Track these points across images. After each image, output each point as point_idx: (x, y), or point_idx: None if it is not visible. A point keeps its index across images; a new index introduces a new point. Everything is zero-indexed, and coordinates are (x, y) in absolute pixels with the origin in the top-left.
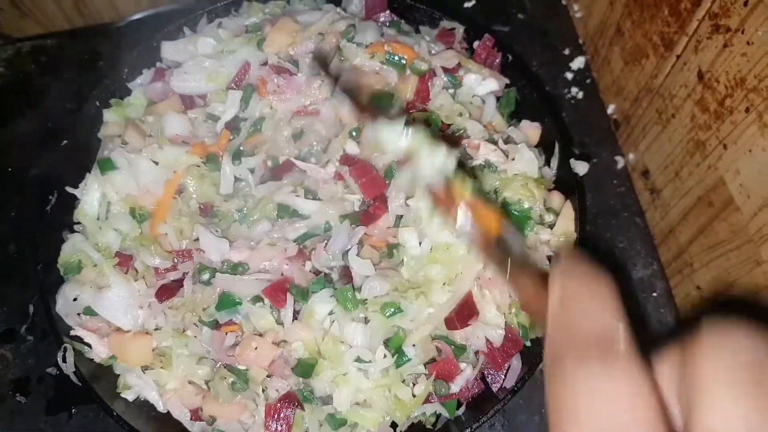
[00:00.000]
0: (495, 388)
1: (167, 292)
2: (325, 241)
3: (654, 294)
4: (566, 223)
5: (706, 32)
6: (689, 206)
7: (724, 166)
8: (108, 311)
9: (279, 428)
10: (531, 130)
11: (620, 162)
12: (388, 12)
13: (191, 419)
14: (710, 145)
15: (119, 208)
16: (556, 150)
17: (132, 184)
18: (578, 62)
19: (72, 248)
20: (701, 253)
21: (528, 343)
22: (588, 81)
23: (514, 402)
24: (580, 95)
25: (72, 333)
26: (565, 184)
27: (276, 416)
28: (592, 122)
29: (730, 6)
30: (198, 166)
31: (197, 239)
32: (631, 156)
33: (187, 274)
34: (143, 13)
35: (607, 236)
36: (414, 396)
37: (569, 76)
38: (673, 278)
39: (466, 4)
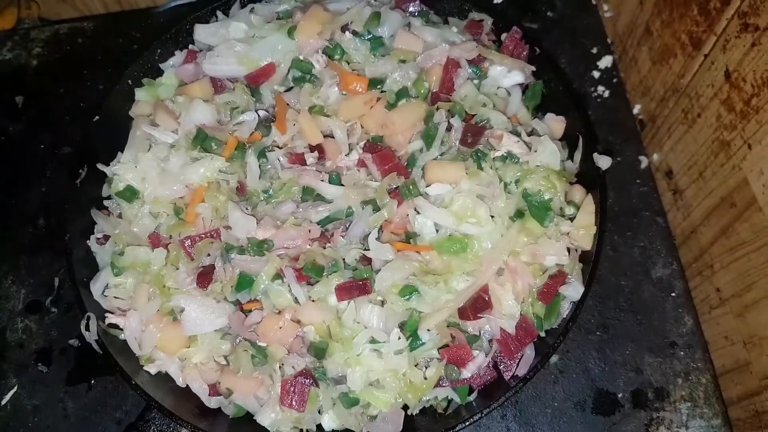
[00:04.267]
0: (507, 376)
1: (206, 277)
2: (342, 227)
3: (673, 294)
4: (587, 216)
5: (735, 31)
6: (712, 207)
7: (748, 166)
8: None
9: (294, 403)
10: (555, 123)
11: (644, 162)
12: (417, 2)
13: (209, 394)
14: (735, 144)
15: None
16: (580, 143)
17: (161, 191)
18: (606, 61)
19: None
20: (722, 254)
21: (542, 334)
22: (615, 80)
23: (526, 394)
24: (607, 94)
25: (107, 322)
26: (588, 178)
27: (292, 391)
28: (617, 121)
29: (759, 4)
30: (223, 171)
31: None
32: (655, 156)
33: (216, 255)
34: (179, 0)
35: (628, 234)
36: (425, 379)
37: (596, 74)
38: (693, 279)
39: (496, 0)
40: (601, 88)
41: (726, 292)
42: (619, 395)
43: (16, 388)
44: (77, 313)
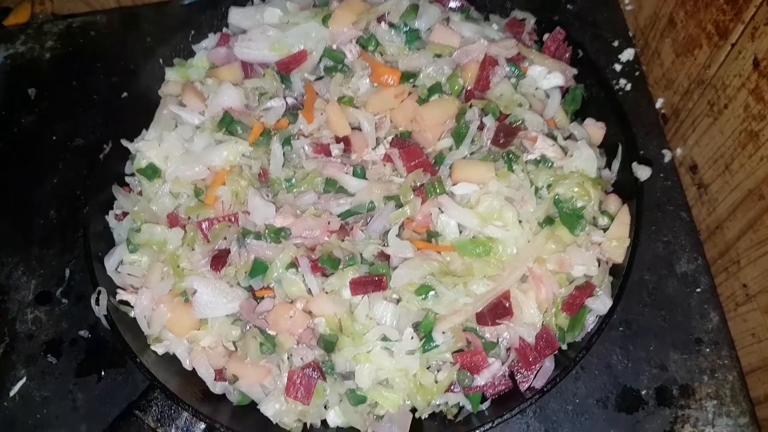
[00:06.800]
0: (523, 387)
1: (220, 261)
2: (362, 221)
3: (698, 290)
4: (621, 227)
5: (764, 18)
6: (738, 200)
7: None
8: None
9: (299, 395)
10: (595, 129)
11: (667, 156)
12: None
13: (215, 379)
14: (764, 135)
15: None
16: (620, 151)
17: (183, 171)
18: (627, 54)
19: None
20: (749, 249)
21: (564, 347)
22: (637, 73)
23: None
24: (629, 87)
25: (119, 298)
26: (625, 188)
27: (298, 383)
28: (639, 115)
29: None
30: (246, 155)
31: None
32: (678, 150)
33: (233, 239)
34: None
35: (652, 229)
36: (436, 382)
37: (618, 67)
38: (719, 275)
39: None
40: (623, 82)
41: (753, 288)
42: (643, 392)
43: (25, 380)
44: (88, 304)
